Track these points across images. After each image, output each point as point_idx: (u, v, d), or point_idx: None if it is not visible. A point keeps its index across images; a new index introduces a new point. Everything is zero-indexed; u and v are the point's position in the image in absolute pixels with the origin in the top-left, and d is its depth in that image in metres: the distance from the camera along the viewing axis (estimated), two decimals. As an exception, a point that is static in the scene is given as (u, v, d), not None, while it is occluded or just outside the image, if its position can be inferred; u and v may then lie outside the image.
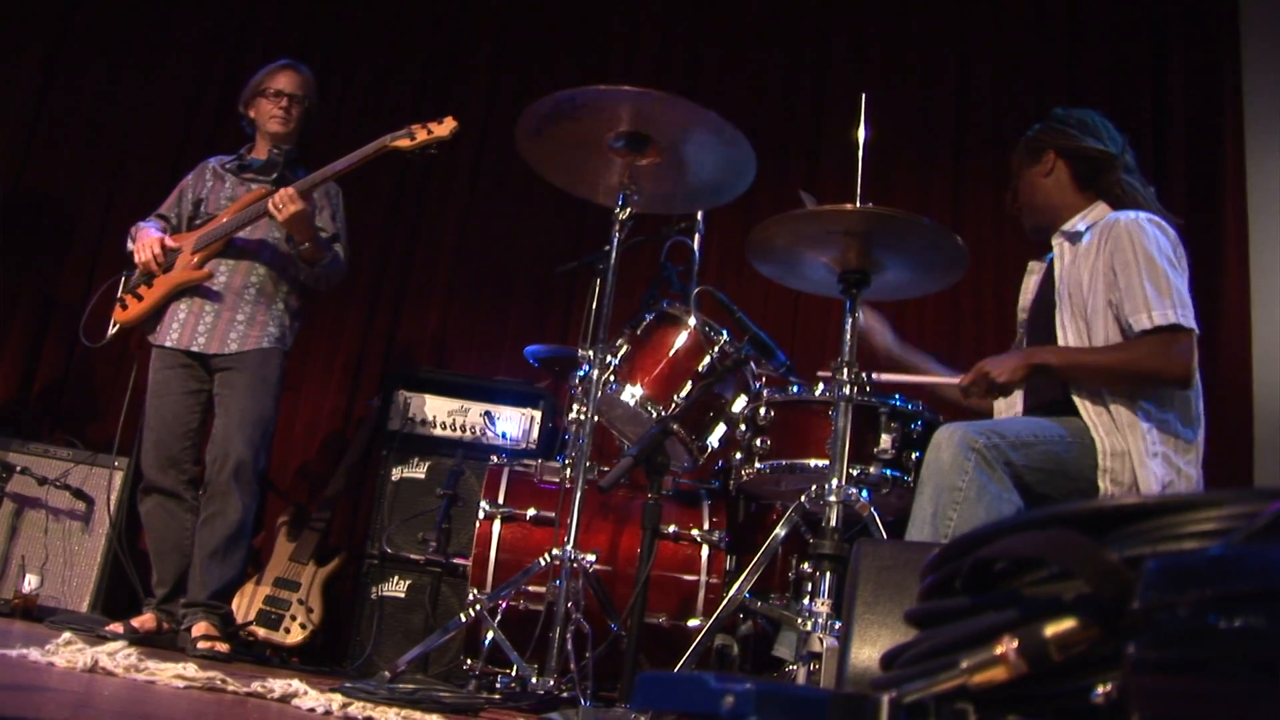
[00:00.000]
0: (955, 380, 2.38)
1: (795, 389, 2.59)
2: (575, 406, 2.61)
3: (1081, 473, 2.18)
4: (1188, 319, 2.20)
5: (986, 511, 2.03)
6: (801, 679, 1.95)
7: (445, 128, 2.97)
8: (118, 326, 3.19)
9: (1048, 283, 2.51)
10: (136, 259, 3.17)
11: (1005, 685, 0.59)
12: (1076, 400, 2.25)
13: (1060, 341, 2.35)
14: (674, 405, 2.52)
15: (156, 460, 3.09)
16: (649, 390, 2.54)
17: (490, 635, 2.46)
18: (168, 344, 3.12)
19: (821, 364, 2.36)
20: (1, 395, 4.24)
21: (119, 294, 3.23)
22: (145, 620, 3.00)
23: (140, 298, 3.17)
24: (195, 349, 3.11)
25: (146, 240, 3.16)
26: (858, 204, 2.16)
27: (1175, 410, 2.25)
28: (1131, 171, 2.50)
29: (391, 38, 4.73)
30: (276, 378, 3.15)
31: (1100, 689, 0.57)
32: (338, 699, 1.74)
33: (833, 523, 2.09)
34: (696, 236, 2.88)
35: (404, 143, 2.98)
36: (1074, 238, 2.44)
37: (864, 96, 2.35)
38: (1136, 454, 2.17)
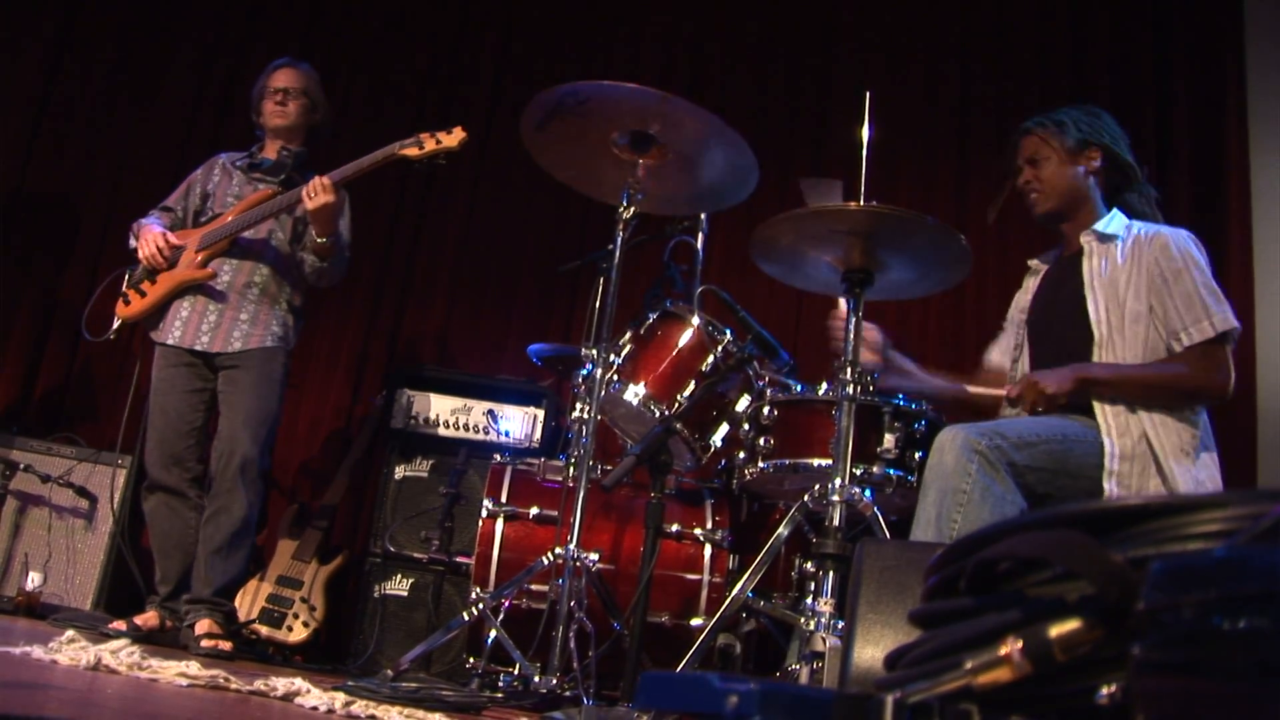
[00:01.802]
0: (1001, 392, 2.39)
1: (799, 388, 2.59)
2: (578, 405, 2.61)
3: (1083, 471, 2.18)
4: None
5: (991, 513, 2.03)
6: (804, 679, 1.95)
7: (454, 138, 2.96)
8: (120, 322, 3.20)
9: (1065, 281, 2.49)
10: (140, 254, 3.18)
11: (1010, 686, 0.59)
12: (1095, 402, 2.24)
13: (1096, 334, 2.32)
14: (677, 404, 2.51)
15: (160, 458, 3.09)
16: (652, 389, 2.53)
17: (493, 634, 2.46)
18: (170, 341, 3.13)
19: (824, 364, 2.37)
20: (5, 393, 4.25)
21: (123, 289, 3.24)
22: (148, 618, 3.00)
23: (143, 294, 3.18)
24: (199, 348, 3.11)
25: (150, 236, 3.17)
26: (861, 203, 2.16)
27: (1196, 418, 2.25)
28: (1143, 194, 2.53)
29: (395, 36, 4.73)
30: (280, 376, 3.16)
31: (1105, 690, 0.57)
32: (340, 697, 1.74)
33: (836, 522, 2.09)
34: (700, 236, 2.88)
35: (412, 151, 2.97)
36: (1105, 239, 2.42)
37: (868, 95, 2.34)
38: (1164, 455, 2.16)
